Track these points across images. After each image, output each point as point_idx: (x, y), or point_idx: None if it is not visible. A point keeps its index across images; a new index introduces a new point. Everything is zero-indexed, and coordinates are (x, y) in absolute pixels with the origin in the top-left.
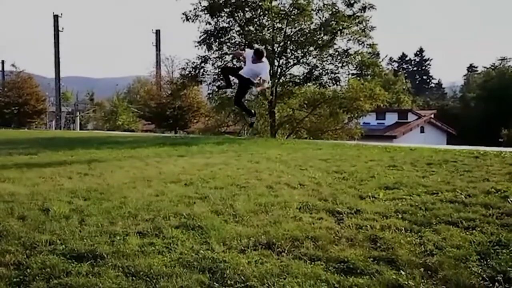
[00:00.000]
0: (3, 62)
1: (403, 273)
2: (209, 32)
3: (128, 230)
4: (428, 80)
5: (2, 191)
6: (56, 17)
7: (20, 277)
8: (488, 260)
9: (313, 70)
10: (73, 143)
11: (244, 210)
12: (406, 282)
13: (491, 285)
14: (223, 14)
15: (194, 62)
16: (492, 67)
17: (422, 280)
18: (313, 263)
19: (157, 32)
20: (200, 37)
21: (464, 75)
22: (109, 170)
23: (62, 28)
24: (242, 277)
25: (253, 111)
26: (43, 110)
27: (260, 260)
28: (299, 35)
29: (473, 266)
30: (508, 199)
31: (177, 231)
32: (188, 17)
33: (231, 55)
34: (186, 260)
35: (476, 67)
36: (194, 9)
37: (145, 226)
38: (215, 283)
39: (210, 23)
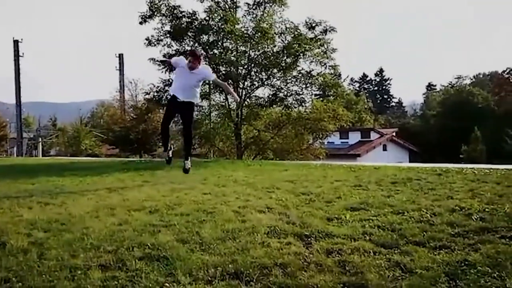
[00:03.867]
0: None
1: None
2: (171, 55)
3: (90, 263)
4: (388, 99)
5: None
6: (16, 42)
7: None
8: (457, 281)
9: (278, 92)
10: (34, 170)
11: (211, 238)
12: None
13: None
14: (186, 38)
15: (158, 86)
16: (450, 85)
17: None
18: None
19: (120, 56)
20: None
21: (424, 94)
22: (71, 199)
23: (23, 54)
24: None
25: (169, 145)
26: (4, 136)
27: None
28: (262, 58)
29: None
30: (472, 217)
31: (141, 263)
32: (151, 42)
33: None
34: None
35: (435, 86)
36: (157, 34)
37: (108, 258)
38: None
39: (172, 46)
